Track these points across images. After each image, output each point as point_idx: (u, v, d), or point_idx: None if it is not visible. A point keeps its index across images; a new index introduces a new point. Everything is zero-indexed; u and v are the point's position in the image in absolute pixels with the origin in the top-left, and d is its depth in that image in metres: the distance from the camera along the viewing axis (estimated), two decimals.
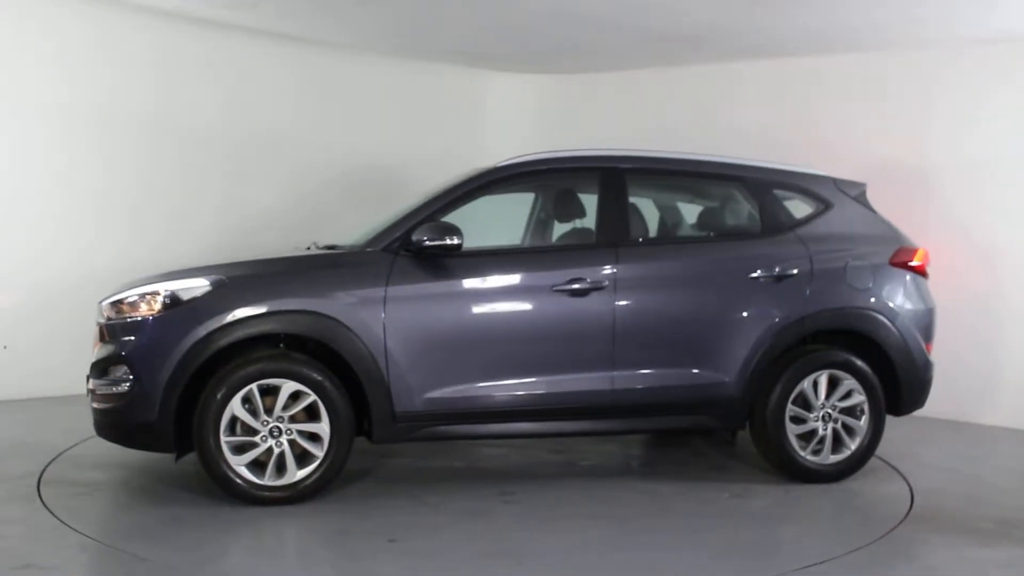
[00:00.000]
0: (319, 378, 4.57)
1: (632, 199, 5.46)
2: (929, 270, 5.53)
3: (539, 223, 6.06)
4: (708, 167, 5.43)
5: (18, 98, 6.84)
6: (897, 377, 5.31)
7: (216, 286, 4.58)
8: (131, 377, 4.50)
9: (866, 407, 5.24)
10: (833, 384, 5.21)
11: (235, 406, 4.51)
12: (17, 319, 6.92)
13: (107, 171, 7.21)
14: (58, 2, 6.92)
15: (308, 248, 5.31)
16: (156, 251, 6.87)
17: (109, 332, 4.65)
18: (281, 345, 4.76)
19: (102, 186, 7.19)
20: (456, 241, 4.72)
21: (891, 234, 5.49)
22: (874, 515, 4.76)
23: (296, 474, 4.58)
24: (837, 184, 5.55)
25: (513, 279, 4.90)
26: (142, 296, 4.60)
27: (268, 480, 4.56)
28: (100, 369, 4.63)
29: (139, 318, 4.57)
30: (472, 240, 5.35)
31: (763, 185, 5.40)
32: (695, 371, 5.03)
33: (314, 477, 4.60)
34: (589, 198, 5.33)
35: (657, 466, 5.70)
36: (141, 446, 4.65)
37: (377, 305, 4.66)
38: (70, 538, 4.03)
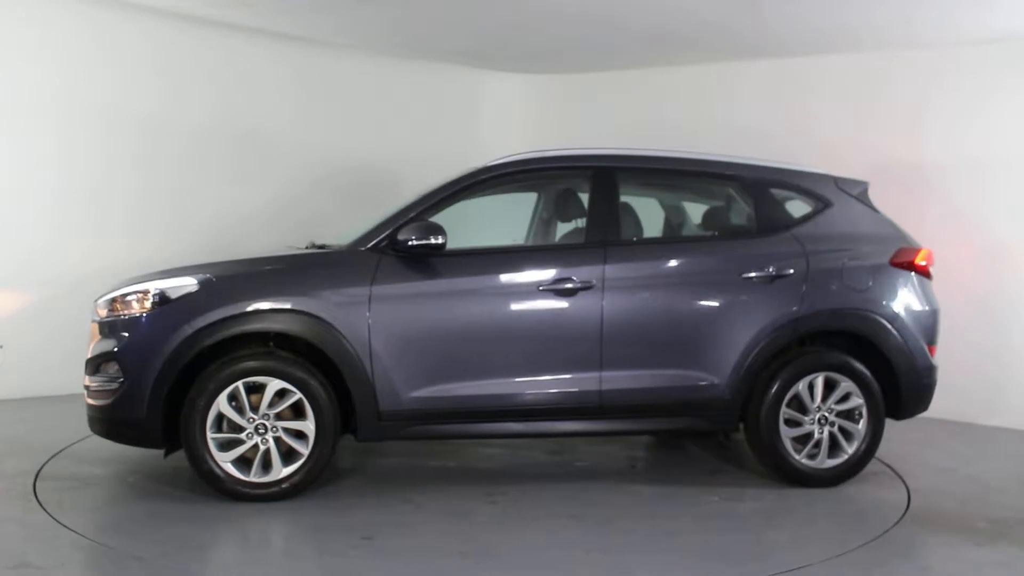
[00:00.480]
0: (304, 376, 4.62)
1: (626, 199, 5.44)
2: (931, 271, 5.40)
3: (542, 223, 6.04)
4: (702, 166, 5.37)
5: (16, 98, 6.85)
6: (897, 380, 5.19)
7: (203, 285, 4.65)
8: (121, 374, 4.58)
9: (864, 411, 5.13)
10: (830, 387, 5.11)
11: (221, 403, 4.57)
12: (15, 319, 6.95)
13: (105, 171, 7.23)
14: (55, 1, 6.93)
15: (307, 247, 5.35)
16: (155, 251, 6.89)
17: (102, 330, 4.75)
18: (271, 344, 4.81)
19: (101, 186, 7.22)
20: (440, 240, 4.73)
21: (893, 234, 5.37)
22: (871, 515, 4.71)
23: (282, 471, 4.63)
24: (837, 183, 5.45)
25: (499, 278, 4.89)
26: (132, 295, 4.68)
27: (254, 477, 4.61)
28: (93, 366, 4.73)
29: (129, 316, 4.65)
30: (475, 240, 5.40)
31: (759, 184, 5.32)
32: (685, 372, 4.97)
33: (299, 474, 4.64)
34: (580, 197, 5.31)
35: (652, 468, 5.66)
36: (131, 442, 4.73)
37: (362, 304, 4.69)
38: (65, 537, 4.06)
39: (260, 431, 4.61)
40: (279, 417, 4.64)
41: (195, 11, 7.12)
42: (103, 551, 3.94)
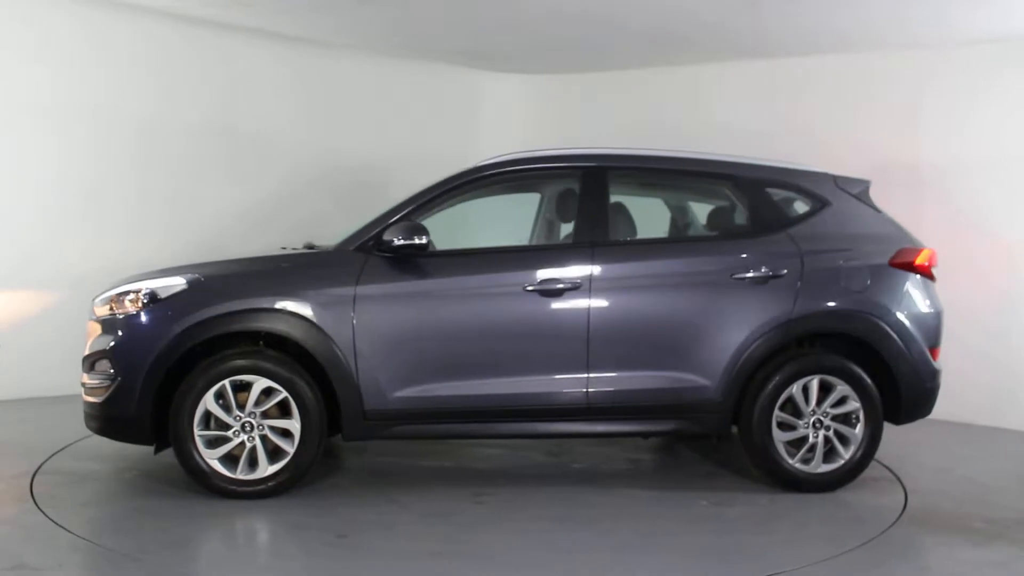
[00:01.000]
0: (290, 375, 4.66)
1: (621, 199, 5.41)
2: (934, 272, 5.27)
3: (545, 223, 6.02)
4: (695, 165, 5.30)
5: (12, 98, 6.85)
6: (896, 384, 5.07)
7: (192, 285, 4.72)
8: (113, 371, 4.67)
9: (861, 415, 5.02)
10: (826, 390, 5.01)
11: (208, 401, 4.62)
12: (13, 319, 6.94)
13: (103, 171, 7.24)
14: (51, 2, 6.94)
15: (302, 248, 5.40)
16: (154, 250, 6.91)
17: (97, 328, 4.84)
18: (261, 343, 4.86)
19: (98, 186, 7.23)
20: (423, 241, 4.74)
21: (894, 234, 5.25)
22: (868, 516, 4.68)
23: (267, 469, 4.67)
24: (837, 182, 5.33)
25: (485, 279, 4.88)
26: (125, 294, 4.77)
27: (240, 474, 4.66)
28: (89, 364, 4.83)
29: (121, 315, 4.73)
30: (479, 241, 5.40)
31: (754, 183, 5.23)
32: (673, 374, 4.91)
33: (285, 472, 4.67)
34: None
35: (648, 471, 5.59)
36: (123, 438, 4.80)
37: (347, 304, 4.71)
38: (62, 538, 4.07)
39: (246, 429, 4.66)
40: (265, 415, 4.68)
41: (193, 11, 7.13)
42: (100, 552, 3.96)
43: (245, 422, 4.66)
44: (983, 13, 6.33)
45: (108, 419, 4.72)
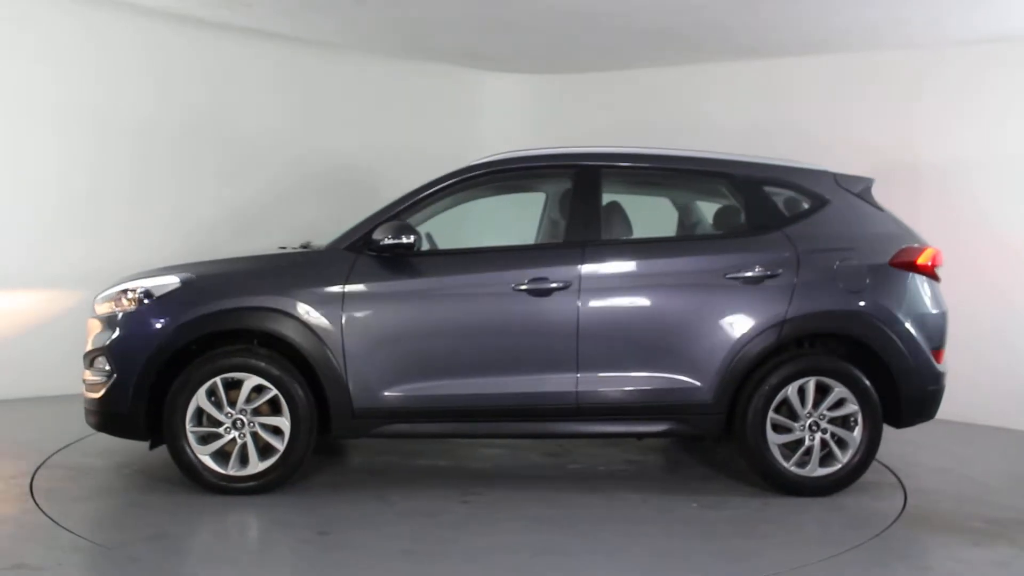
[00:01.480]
0: (279, 373, 4.71)
1: (616, 198, 5.36)
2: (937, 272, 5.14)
3: (550, 223, 5.99)
4: (690, 163, 5.24)
5: (10, 98, 6.85)
6: (896, 386, 4.95)
7: (185, 284, 4.80)
8: (109, 368, 4.77)
9: (859, 417, 4.91)
10: (824, 392, 4.92)
11: (200, 398, 4.70)
12: (13, 319, 6.96)
13: (103, 171, 7.25)
14: (51, 2, 6.94)
15: (300, 247, 5.46)
16: (155, 250, 6.89)
17: (96, 326, 4.95)
18: (255, 341, 4.92)
19: (98, 186, 7.24)
20: (410, 240, 4.76)
21: (896, 233, 5.13)
22: (868, 515, 4.66)
23: (258, 465, 4.73)
24: (838, 180, 5.23)
25: (473, 278, 4.89)
26: (123, 292, 4.87)
27: (231, 470, 4.73)
28: (88, 360, 4.94)
29: (118, 313, 4.83)
30: (483, 241, 5.40)
31: (751, 182, 5.15)
32: (664, 375, 4.86)
33: (275, 469, 4.73)
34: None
35: (644, 473, 5.51)
36: (120, 434, 4.88)
37: (336, 303, 4.75)
38: (62, 538, 4.07)
39: (238, 426, 4.72)
40: (257, 413, 4.74)
41: (194, 12, 7.15)
42: (100, 551, 3.98)
43: (236, 419, 4.72)
44: (979, 14, 6.35)
45: (105, 415, 4.82)
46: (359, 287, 4.78)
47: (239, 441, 4.73)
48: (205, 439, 4.73)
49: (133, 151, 7.39)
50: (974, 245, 6.87)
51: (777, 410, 4.91)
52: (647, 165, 5.29)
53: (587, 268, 4.87)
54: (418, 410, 4.81)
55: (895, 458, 5.67)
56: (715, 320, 4.88)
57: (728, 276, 4.90)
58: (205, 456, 4.71)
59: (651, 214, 5.88)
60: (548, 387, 4.83)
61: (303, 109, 8.19)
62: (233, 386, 4.74)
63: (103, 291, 5.06)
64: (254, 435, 4.73)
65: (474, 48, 8.05)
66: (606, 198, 5.26)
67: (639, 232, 5.37)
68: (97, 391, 4.82)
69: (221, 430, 4.72)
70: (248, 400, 4.73)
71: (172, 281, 4.81)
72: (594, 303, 4.84)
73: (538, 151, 5.29)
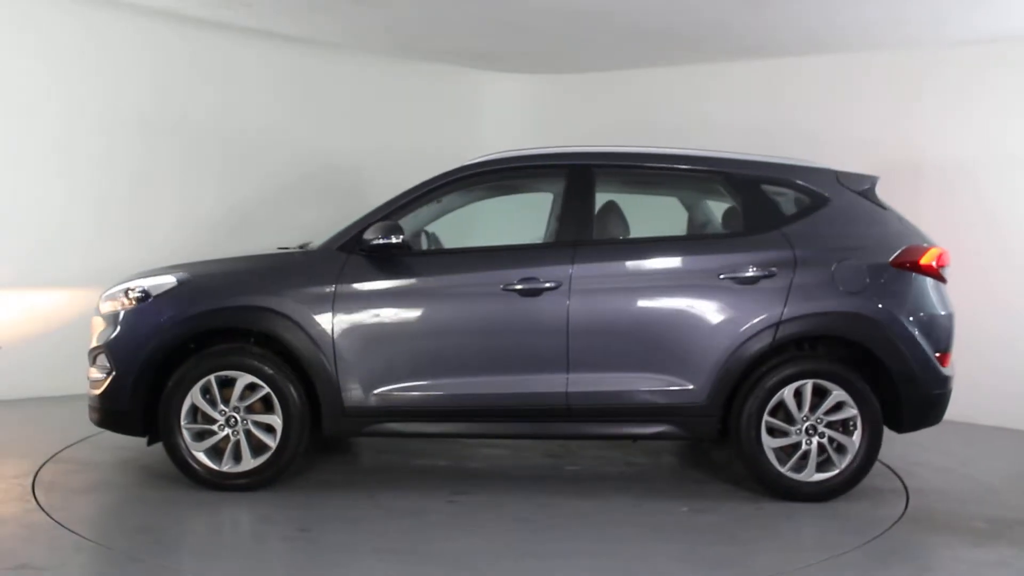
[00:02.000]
0: (272, 372, 4.77)
1: (613, 197, 5.31)
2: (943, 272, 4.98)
3: (555, 223, 5.96)
4: (684, 162, 5.16)
5: (11, 99, 6.83)
6: (897, 390, 4.81)
7: (181, 283, 4.88)
8: (108, 365, 4.88)
9: (858, 422, 4.79)
10: (821, 395, 4.81)
11: (195, 395, 4.77)
12: (13, 319, 6.94)
13: (104, 171, 7.22)
14: (51, 1, 6.92)
15: (301, 247, 5.51)
16: (156, 249, 6.89)
17: (99, 324, 5.06)
18: (251, 340, 4.98)
19: (99, 186, 7.21)
20: (398, 240, 4.77)
21: (899, 232, 4.98)
22: (870, 515, 4.65)
23: (251, 462, 4.80)
24: (839, 178, 5.10)
25: (463, 278, 4.88)
26: (122, 291, 4.98)
27: (225, 467, 4.79)
28: (91, 358, 5.05)
29: (118, 311, 4.94)
30: (488, 241, 5.39)
31: (748, 180, 5.05)
32: (655, 376, 4.79)
33: (267, 466, 4.78)
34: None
35: (640, 475, 5.43)
36: (119, 430, 4.98)
37: (326, 302, 4.79)
38: (65, 538, 4.07)
39: (231, 423, 4.79)
40: (250, 410, 4.80)
41: (194, 12, 7.17)
42: (102, 551, 3.99)
43: (230, 416, 4.79)
44: (979, 14, 6.31)
45: (105, 411, 4.92)
46: (349, 287, 4.81)
47: (232, 438, 4.79)
48: (200, 436, 4.80)
49: (136, 151, 7.38)
50: (976, 245, 6.80)
51: (774, 413, 4.81)
52: (641, 164, 5.23)
53: (577, 268, 4.82)
54: (408, 409, 4.82)
55: (897, 458, 5.62)
56: (708, 321, 4.80)
57: (722, 276, 4.82)
58: (199, 453, 4.78)
59: (657, 214, 5.81)
60: (538, 387, 4.80)
61: (304, 109, 8.20)
62: (227, 384, 4.80)
63: (107, 289, 5.18)
64: (247, 432, 4.79)
65: (474, 48, 8.05)
66: (602, 198, 5.22)
67: (640, 232, 5.31)
68: (98, 388, 4.93)
69: (215, 427, 4.79)
70: (241, 398, 4.79)
71: (169, 280, 4.90)
72: (584, 303, 4.80)
73: (531, 151, 5.27)
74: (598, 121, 8.49)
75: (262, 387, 4.78)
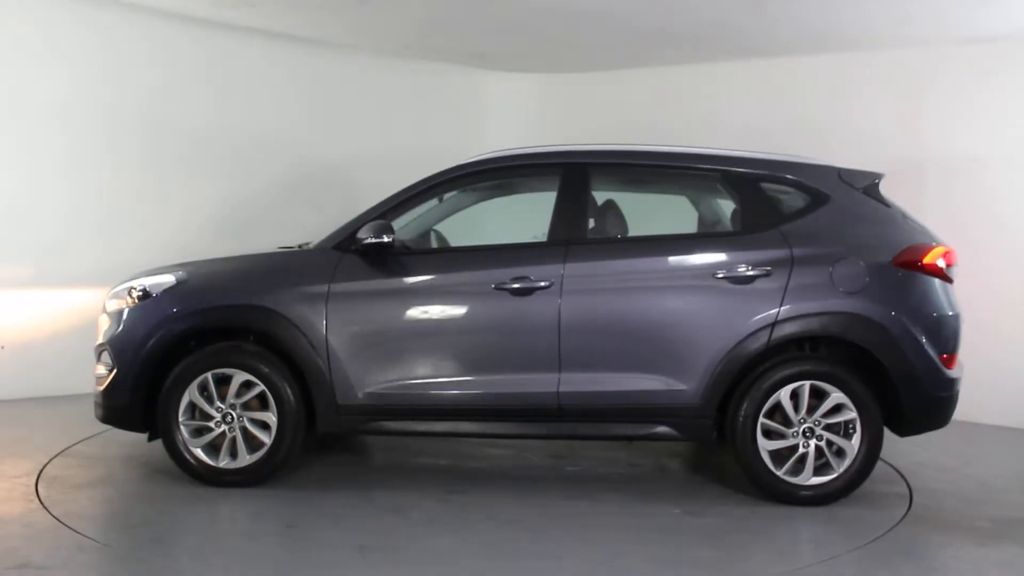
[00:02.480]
0: (266, 370, 4.82)
1: (609, 196, 5.27)
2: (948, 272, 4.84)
3: None
4: (681, 160, 5.10)
5: (17, 99, 6.85)
6: (898, 392, 4.70)
7: (179, 282, 4.96)
8: (111, 362, 4.98)
9: (858, 424, 4.68)
10: (820, 397, 4.71)
11: (192, 392, 4.85)
12: (15, 319, 6.95)
13: (107, 171, 7.24)
14: (59, 3, 6.94)
15: (300, 247, 5.55)
16: (164, 248, 6.86)
17: (105, 321, 5.17)
18: (250, 338, 5.04)
19: (102, 186, 7.22)
20: (388, 239, 4.79)
21: (901, 231, 4.86)
22: (873, 515, 4.64)
23: (246, 458, 4.85)
24: (841, 175, 4.99)
25: (454, 277, 4.88)
26: (127, 289, 5.07)
27: (221, 463, 4.86)
28: (96, 355, 5.16)
29: (122, 309, 5.04)
30: (492, 240, 5.39)
31: (746, 178, 4.97)
32: (648, 376, 4.74)
33: (263, 462, 4.83)
34: (595, 196, 5.18)
35: (639, 477, 5.36)
36: (121, 426, 5.06)
37: (320, 301, 4.82)
38: (67, 538, 4.08)
39: (227, 420, 4.85)
40: (247, 407, 4.86)
41: (198, 12, 7.20)
42: (105, 551, 4.00)
43: (226, 413, 4.85)
44: (983, 12, 6.27)
45: (108, 407, 5.01)
46: (343, 285, 4.84)
47: (229, 435, 4.85)
48: (198, 432, 4.87)
49: (140, 151, 7.38)
50: (980, 243, 6.73)
51: (771, 415, 4.73)
52: (636, 163, 5.18)
53: (570, 267, 4.79)
54: (400, 408, 4.84)
55: (900, 457, 5.59)
56: (702, 320, 4.73)
57: (717, 275, 4.75)
58: (197, 449, 4.85)
59: (667, 213, 5.75)
60: (529, 387, 4.78)
61: (307, 108, 8.22)
62: (224, 381, 4.87)
63: (114, 287, 5.28)
64: (244, 429, 4.85)
65: (477, 48, 8.04)
66: (600, 197, 5.19)
67: (642, 231, 5.26)
68: (102, 384, 5.03)
69: (212, 424, 4.85)
70: (238, 395, 4.85)
71: (168, 280, 4.98)
72: (576, 302, 4.76)
73: (526, 150, 5.25)
74: (601, 120, 8.47)
75: (258, 384, 4.83)
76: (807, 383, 4.70)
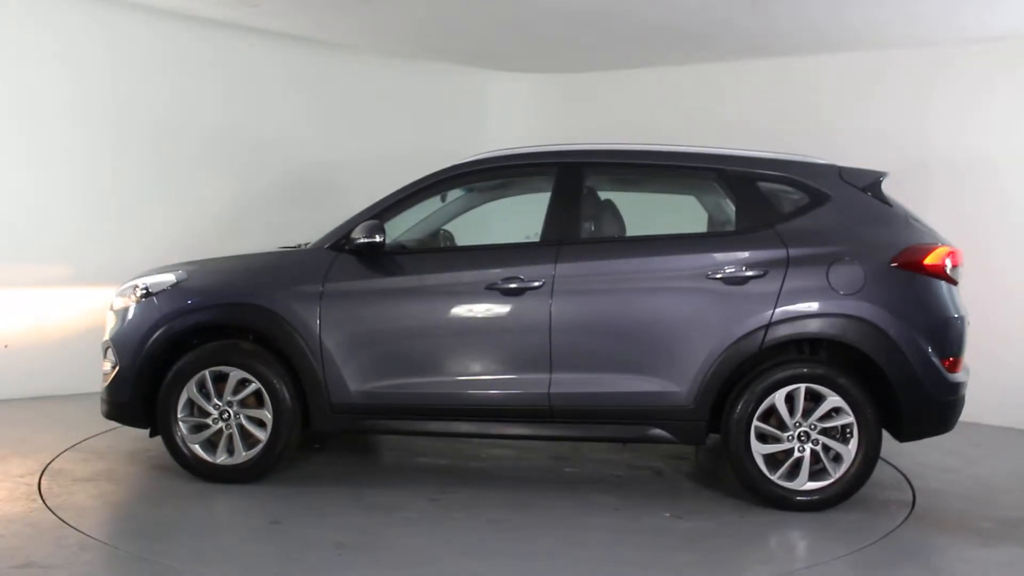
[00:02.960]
0: (262, 368, 4.87)
1: (608, 196, 5.23)
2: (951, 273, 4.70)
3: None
4: (677, 159, 5.03)
5: (28, 100, 6.86)
6: (896, 396, 4.57)
7: (179, 281, 5.05)
8: (115, 359, 5.09)
9: (855, 429, 4.57)
10: (817, 401, 4.61)
11: (191, 390, 4.92)
12: (18, 319, 6.95)
13: (116, 171, 7.25)
14: (69, 3, 6.95)
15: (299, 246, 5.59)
16: (168, 248, 6.83)
17: (111, 319, 5.29)
18: (251, 336, 5.10)
19: (107, 186, 7.23)
20: (378, 239, 4.81)
21: (903, 230, 4.73)
22: (876, 515, 4.64)
23: (243, 455, 4.92)
24: (842, 174, 4.88)
25: (444, 277, 4.87)
26: (132, 288, 5.18)
27: (218, 459, 4.93)
28: (103, 352, 5.29)
29: (127, 307, 5.15)
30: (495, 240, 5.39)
31: (743, 177, 4.88)
32: (640, 378, 4.68)
33: (258, 459, 4.88)
34: (599, 195, 5.17)
35: (636, 480, 5.29)
36: (124, 422, 5.17)
37: (314, 300, 4.86)
38: (70, 537, 4.07)
39: (224, 417, 4.92)
40: (243, 405, 4.93)
41: (202, 11, 7.23)
42: (108, 550, 4.00)
43: (223, 411, 4.92)
44: (991, 11, 6.21)
45: (112, 403, 5.11)
46: (336, 285, 4.87)
47: (226, 432, 4.92)
48: (196, 429, 4.94)
49: (146, 151, 7.37)
50: (987, 243, 6.65)
51: (766, 418, 4.64)
52: (630, 162, 5.12)
53: (561, 267, 4.76)
54: (392, 407, 4.85)
55: (904, 458, 5.58)
56: (694, 322, 4.66)
57: (710, 276, 4.68)
58: (195, 445, 4.92)
59: (677, 213, 5.69)
60: (520, 388, 4.76)
61: (310, 108, 8.24)
62: (222, 379, 4.93)
63: (122, 285, 5.40)
64: (240, 426, 4.91)
65: (480, 48, 8.03)
66: (595, 197, 5.14)
67: (638, 232, 5.20)
68: (106, 380, 5.14)
69: (209, 421, 4.92)
70: (235, 393, 4.91)
71: (168, 279, 5.07)
72: (567, 303, 4.73)
73: (522, 149, 5.23)
74: (602, 120, 8.42)
75: (253, 382, 4.88)
76: (802, 386, 4.60)
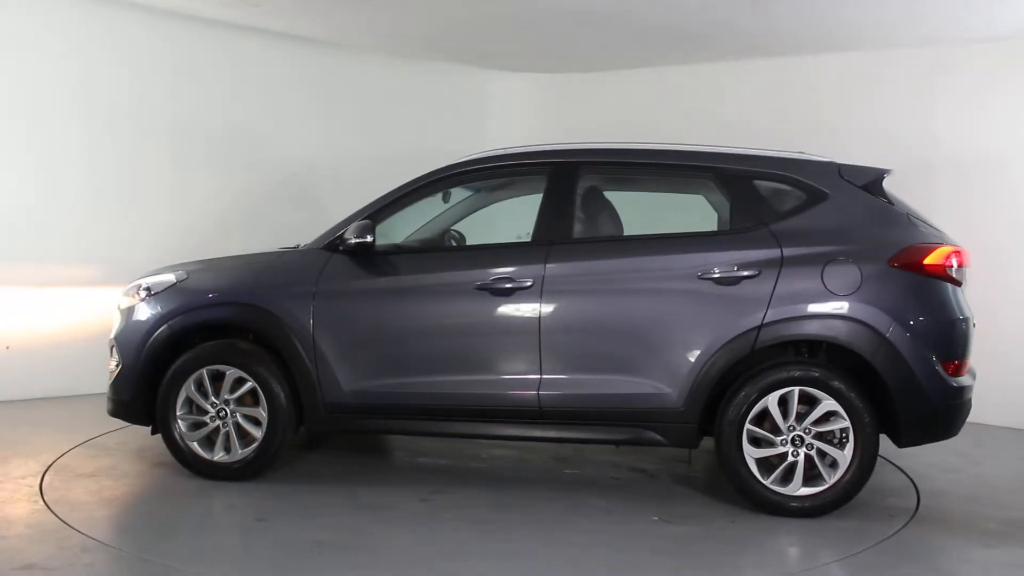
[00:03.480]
0: (257, 367, 4.92)
1: (606, 195, 5.17)
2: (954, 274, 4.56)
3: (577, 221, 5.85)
4: (672, 158, 4.95)
5: (28, 98, 6.86)
6: (893, 400, 4.44)
7: (179, 280, 5.13)
8: (118, 358, 5.18)
9: (850, 434, 4.45)
10: (811, 404, 4.50)
11: (189, 388, 4.99)
12: (19, 319, 6.96)
13: (114, 172, 7.26)
14: (72, 3, 6.99)
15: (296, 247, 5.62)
16: (171, 250, 6.83)
17: (117, 317, 5.38)
18: (250, 336, 5.16)
19: (108, 186, 7.23)
20: (368, 239, 4.82)
21: (903, 229, 4.60)
22: (880, 516, 4.63)
23: (239, 453, 4.97)
24: (842, 172, 4.76)
25: (437, 277, 4.87)
26: (136, 287, 5.28)
27: (216, 457, 4.99)
28: (109, 350, 5.39)
29: (130, 306, 5.24)
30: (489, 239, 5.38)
31: (739, 176, 4.79)
32: (630, 379, 4.62)
33: (254, 457, 4.93)
34: (605, 195, 5.13)
35: (634, 482, 5.23)
36: (126, 419, 5.24)
37: (307, 300, 4.89)
38: (72, 539, 4.07)
39: (221, 415, 4.98)
40: (240, 403, 4.98)
41: (204, 11, 7.25)
42: (110, 552, 4.00)
43: (220, 409, 4.98)
44: (996, 10, 6.18)
45: (115, 401, 5.19)
46: (329, 285, 4.90)
47: (223, 429, 4.97)
48: (195, 427, 5.00)
49: (149, 152, 7.41)
50: (992, 242, 6.60)
51: (759, 422, 4.54)
52: (625, 160, 5.06)
53: (551, 267, 4.72)
54: (384, 407, 4.86)
55: (907, 458, 5.55)
56: (685, 322, 4.59)
57: (702, 276, 4.60)
58: (193, 443, 4.99)
59: (685, 213, 5.61)
60: (509, 388, 4.73)
61: (311, 108, 8.25)
62: (219, 378, 4.99)
63: (128, 285, 5.50)
64: (236, 425, 4.96)
65: (480, 48, 8.01)
66: (592, 196, 5.08)
67: (640, 231, 5.14)
68: (111, 378, 5.24)
69: (207, 419, 4.99)
70: (232, 391, 4.97)
71: (169, 279, 5.15)
72: (557, 303, 4.69)
73: (515, 149, 5.20)
74: (604, 120, 8.36)
75: (248, 381, 4.93)
76: (795, 389, 4.49)
